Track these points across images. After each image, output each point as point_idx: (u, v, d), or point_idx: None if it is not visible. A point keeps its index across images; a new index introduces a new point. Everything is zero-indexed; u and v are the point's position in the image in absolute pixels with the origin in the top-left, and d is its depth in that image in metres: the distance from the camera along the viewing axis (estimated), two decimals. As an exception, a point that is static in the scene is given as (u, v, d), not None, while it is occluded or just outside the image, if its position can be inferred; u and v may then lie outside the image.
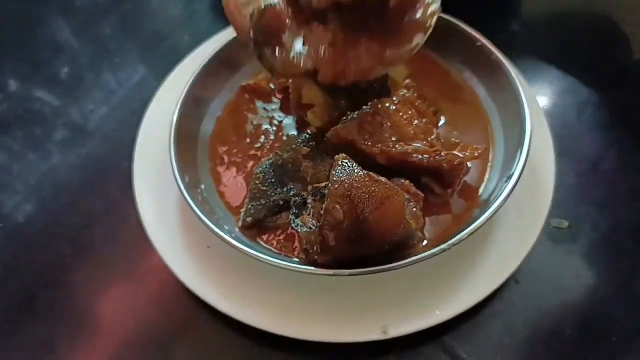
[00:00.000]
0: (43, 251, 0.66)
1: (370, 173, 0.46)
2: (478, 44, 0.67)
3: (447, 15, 0.69)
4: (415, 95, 0.61)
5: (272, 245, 0.57)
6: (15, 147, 0.77)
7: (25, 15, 0.97)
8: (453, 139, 0.61)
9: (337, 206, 0.45)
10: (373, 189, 0.45)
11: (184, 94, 0.65)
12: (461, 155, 0.55)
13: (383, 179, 0.46)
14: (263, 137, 0.67)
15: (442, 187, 0.57)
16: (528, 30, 0.87)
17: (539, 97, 0.69)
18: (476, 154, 0.56)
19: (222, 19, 0.87)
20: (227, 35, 0.73)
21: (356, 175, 0.46)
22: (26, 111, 0.82)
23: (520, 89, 0.62)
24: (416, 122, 0.57)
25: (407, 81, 0.64)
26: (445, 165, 0.54)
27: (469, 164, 0.59)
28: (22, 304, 0.61)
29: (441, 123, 0.66)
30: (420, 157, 0.54)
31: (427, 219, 0.57)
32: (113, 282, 0.62)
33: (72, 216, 0.68)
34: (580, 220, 0.63)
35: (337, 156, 0.48)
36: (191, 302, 0.57)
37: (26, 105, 0.82)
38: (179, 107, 0.63)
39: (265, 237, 0.58)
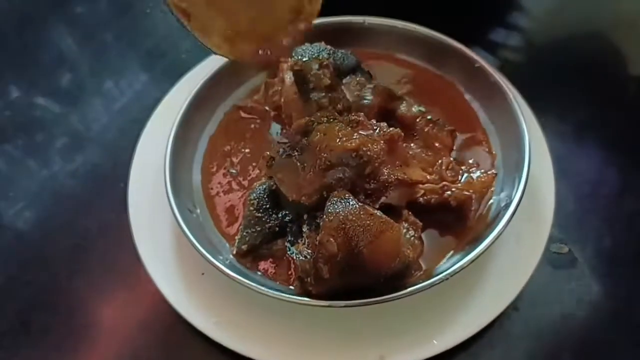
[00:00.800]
0: (38, 273, 0.65)
1: (366, 206, 0.46)
2: (476, 65, 0.67)
3: (445, 36, 0.69)
4: (426, 119, 0.60)
5: (267, 272, 0.56)
6: (15, 155, 0.77)
7: (27, 23, 0.96)
8: (470, 160, 0.60)
9: (331, 239, 0.45)
10: (368, 222, 0.44)
11: (178, 117, 0.64)
12: (468, 192, 0.54)
13: (378, 212, 0.46)
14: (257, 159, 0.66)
15: (456, 220, 0.56)
16: (527, 49, 0.86)
17: (537, 116, 0.68)
18: (484, 186, 0.56)
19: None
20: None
21: (351, 207, 0.45)
22: (27, 118, 0.81)
23: (519, 111, 0.61)
24: (423, 154, 0.57)
25: (420, 108, 0.63)
26: (452, 202, 0.54)
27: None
28: (15, 328, 0.61)
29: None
30: (427, 197, 0.54)
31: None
32: (107, 307, 0.61)
33: (68, 237, 0.67)
34: (580, 244, 0.62)
35: (334, 192, 0.47)
36: (185, 330, 0.56)
37: (27, 112, 0.82)
38: (173, 131, 0.63)
39: (260, 264, 0.57)
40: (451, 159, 0.58)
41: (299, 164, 0.50)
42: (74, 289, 0.63)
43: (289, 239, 0.56)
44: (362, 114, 0.52)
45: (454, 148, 0.62)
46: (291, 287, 0.54)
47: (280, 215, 0.56)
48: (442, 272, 0.51)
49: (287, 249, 0.56)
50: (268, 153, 0.53)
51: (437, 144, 0.59)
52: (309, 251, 0.50)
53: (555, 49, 0.85)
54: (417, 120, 0.60)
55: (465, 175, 0.56)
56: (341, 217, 0.45)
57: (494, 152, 0.63)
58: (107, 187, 0.70)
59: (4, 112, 0.82)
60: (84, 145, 0.77)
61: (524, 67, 0.82)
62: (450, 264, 0.53)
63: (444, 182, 0.55)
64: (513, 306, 0.56)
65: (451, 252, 0.55)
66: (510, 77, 0.66)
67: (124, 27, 0.95)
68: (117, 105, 0.82)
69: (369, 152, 0.48)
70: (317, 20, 0.70)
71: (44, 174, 0.74)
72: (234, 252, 0.56)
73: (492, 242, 0.52)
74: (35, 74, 0.87)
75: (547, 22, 0.90)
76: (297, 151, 0.51)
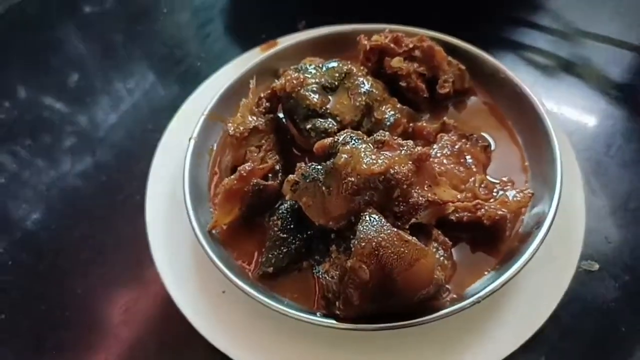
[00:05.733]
0: (51, 288, 0.63)
1: (400, 231, 0.44)
2: (502, 75, 0.65)
3: (473, 47, 0.67)
4: (455, 136, 0.59)
5: (287, 292, 0.54)
6: (23, 155, 0.76)
7: (35, 24, 0.95)
8: (504, 177, 0.58)
9: (364, 265, 0.43)
10: (402, 249, 0.42)
11: (195, 131, 0.63)
12: (502, 212, 0.52)
13: (413, 239, 0.44)
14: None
15: (490, 239, 0.54)
16: (554, 61, 0.83)
17: (565, 128, 0.66)
18: (520, 206, 0.54)
19: (234, 39, 0.86)
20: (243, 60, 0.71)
21: (384, 233, 0.43)
22: (35, 118, 0.80)
23: (549, 125, 0.59)
24: (455, 170, 0.55)
25: (451, 121, 0.61)
26: (485, 221, 0.52)
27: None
28: (29, 345, 0.59)
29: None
30: (459, 214, 0.52)
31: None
32: (122, 325, 0.60)
33: (82, 251, 0.66)
34: (611, 261, 0.60)
35: (365, 212, 0.45)
36: (204, 349, 0.55)
37: (35, 112, 0.81)
38: (190, 146, 0.62)
39: (282, 284, 0.55)
40: (486, 176, 0.56)
41: (324, 188, 0.48)
42: (88, 306, 0.61)
43: (315, 257, 0.54)
44: (388, 133, 0.50)
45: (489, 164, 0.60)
46: (315, 310, 0.52)
47: (305, 235, 0.54)
48: (474, 293, 0.49)
49: (313, 268, 0.54)
50: (292, 177, 0.51)
51: (470, 160, 0.57)
52: (337, 272, 0.48)
53: (583, 58, 0.83)
54: (449, 135, 0.58)
55: (501, 193, 0.54)
56: (374, 243, 0.43)
57: (526, 167, 0.61)
58: (124, 199, 0.69)
59: (12, 111, 0.81)
60: (97, 135, 0.77)
61: (551, 78, 0.80)
62: (483, 283, 0.51)
63: (477, 200, 0.53)
64: (544, 327, 0.55)
65: (485, 272, 0.53)
66: (537, 90, 0.63)
67: (138, 32, 0.94)
68: (126, 108, 0.81)
69: (396, 175, 0.46)
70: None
71: (52, 175, 0.73)
72: (259, 274, 0.54)
73: (525, 264, 0.50)
74: (45, 75, 0.86)
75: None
76: (322, 174, 0.48)
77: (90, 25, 0.95)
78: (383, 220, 0.44)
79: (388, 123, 0.60)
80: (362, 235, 0.44)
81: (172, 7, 0.97)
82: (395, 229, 0.44)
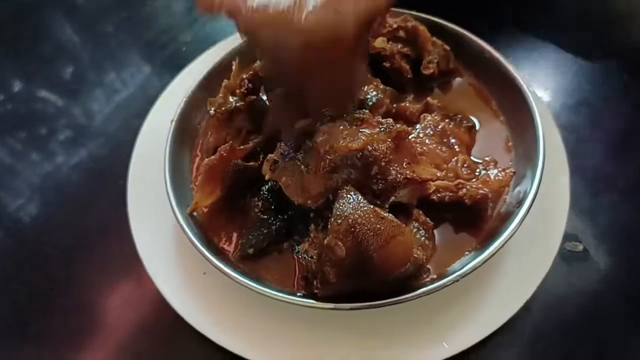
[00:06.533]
0: (35, 273, 0.63)
1: (376, 208, 0.43)
2: (487, 55, 0.64)
3: (442, 20, 0.67)
4: (439, 117, 0.58)
5: (268, 273, 0.54)
6: (18, 147, 0.76)
7: (29, 16, 0.94)
8: (487, 157, 0.57)
9: (340, 242, 0.42)
10: (378, 226, 0.42)
11: (176, 115, 0.62)
12: (484, 191, 0.52)
13: (389, 216, 0.43)
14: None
15: (472, 219, 0.54)
16: (542, 40, 0.82)
17: (550, 108, 0.66)
18: (501, 185, 0.53)
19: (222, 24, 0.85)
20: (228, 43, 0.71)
21: (361, 210, 0.43)
22: (30, 111, 0.80)
23: (533, 104, 0.59)
24: (438, 149, 0.55)
25: (434, 101, 0.61)
26: (467, 200, 0.52)
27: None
28: (12, 329, 0.59)
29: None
30: (441, 194, 0.52)
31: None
32: (105, 309, 0.59)
33: (66, 236, 0.66)
34: (596, 242, 0.60)
35: (342, 189, 0.45)
36: (184, 330, 0.54)
37: (30, 105, 0.81)
38: (171, 129, 0.61)
39: (262, 265, 0.55)
40: (468, 156, 0.56)
41: (302, 166, 0.47)
42: (71, 291, 0.61)
43: (295, 237, 0.54)
44: (367, 111, 0.49)
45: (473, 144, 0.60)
46: (295, 290, 0.52)
47: (285, 216, 0.54)
48: (454, 273, 0.49)
49: (293, 249, 0.54)
50: (271, 156, 0.51)
51: (454, 140, 0.56)
52: (316, 252, 0.48)
53: (572, 37, 0.82)
54: (432, 115, 0.57)
55: (483, 172, 0.54)
56: (350, 220, 0.42)
57: (510, 147, 0.61)
58: (107, 184, 0.68)
59: (6, 104, 0.81)
60: (87, 138, 0.75)
61: (537, 58, 0.79)
62: (463, 263, 0.51)
63: (459, 180, 0.52)
64: (526, 307, 0.54)
65: (466, 252, 0.53)
66: (523, 68, 0.63)
67: (124, 18, 0.93)
68: (117, 98, 0.80)
69: (374, 152, 0.45)
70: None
71: (46, 168, 0.72)
72: (240, 255, 0.54)
73: (504, 243, 0.50)
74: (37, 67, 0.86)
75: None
76: (301, 153, 0.48)
77: (77, 13, 0.95)
78: (360, 197, 0.44)
79: (370, 103, 0.59)
80: (338, 213, 0.43)
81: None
82: (372, 206, 0.43)
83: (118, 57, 0.86)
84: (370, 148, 0.45)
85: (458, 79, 0.68)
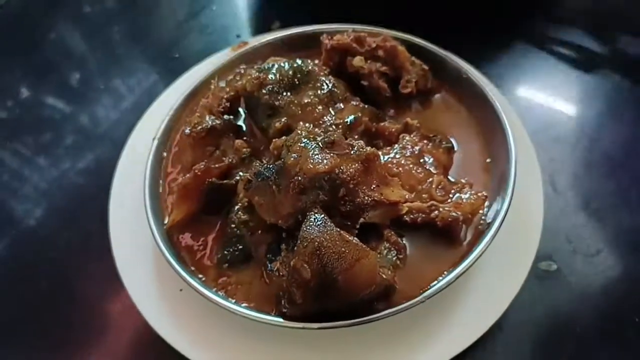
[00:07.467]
0: (23, 285, 0.65)
1: (342, 232, 0.44)
2: (464, 75, 0.65)
3: (422, 39, 0.68)
4: (418, 137, 0.59)
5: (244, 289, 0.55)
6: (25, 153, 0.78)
7: (36, 23, 0.96)
8: (463, 178, 0.58)
9: (305, 265, 0.43)
10: (343, 249, 0.43)
11: (158, 133, 0.64)
12: (455, 214, 0.52)
13: (354, 239, 0.44)
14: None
15: (446, 241, 0.54)
16: (519, 57, 0.83)
17: (527, 127, 0.66)
18: (473, 209, 0.54)
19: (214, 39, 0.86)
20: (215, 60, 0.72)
21: (327, 232, 0.43)
22: (36, 117, 0.82)
23: (506, 121, 0.59)
24: (413, 170, 0.55)
25: (414, 122, 0.61)
26: (439, 222, 0.52)
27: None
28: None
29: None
30: (414, 215, 0.52)
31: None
32: (84, 323, 0.61)
33: (51, 250, 0.67)
34: (570, 262, 0.61)
35: (310, 212, 0.45)
36: (162, 348, 0.55)
37: (36, 111, 0.83)
38: (153, 147, 0.62)
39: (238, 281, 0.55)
40: (445, 177, 0.56)
41: (274, 187, 0.48)
42: (52, 303, 0.63)
43: (268, 255, 0.54)
44: (338, 132, 0.50)
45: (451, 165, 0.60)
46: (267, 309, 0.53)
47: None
48: (420, 292, 0.49)
49: (266, 266, 0.54)
50: (246, 175, 0.51)
51: (431, 161, 0.57)
52: (286, 271, 0.49)
53: (549, 56, 0.83)
54: (411, 136, 0.58)
55: (457, 195, 0.54)
56: (316, 243, 0.43)
57: (489, 166, 0.61)
58: (90, 197, 0.69)
59: (13, 110, 0.83)
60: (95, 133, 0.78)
61: (515, 75, 0.80)
62: (434, 284, 0.52)
63: (432, 202, 0.53)
64: (497, 326, 0.55)
65: (440, 272, 0.53)
66: (502, 86, 0.63)
67: (130, 25, 0.95)
68: (124, 104, 0.82)
69: (341, 175, 0.46)
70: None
71: (53, 173, 0.75)
72: (216, 270, 0.55)
73: (473, 263, 0.51)
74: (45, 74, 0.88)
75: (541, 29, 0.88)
76: (274, 174, 0.49)
77: (88, 19, 0.97)
78: (327, 219, 0.45)
79: (348, 122, 0.60)
80: (304, 235, 0.44)
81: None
82: (338, 229, 0.44)
83: (124, 58, 0.89)
84: (337, 171, 0.46)
85: (437, 98, 0.69)
